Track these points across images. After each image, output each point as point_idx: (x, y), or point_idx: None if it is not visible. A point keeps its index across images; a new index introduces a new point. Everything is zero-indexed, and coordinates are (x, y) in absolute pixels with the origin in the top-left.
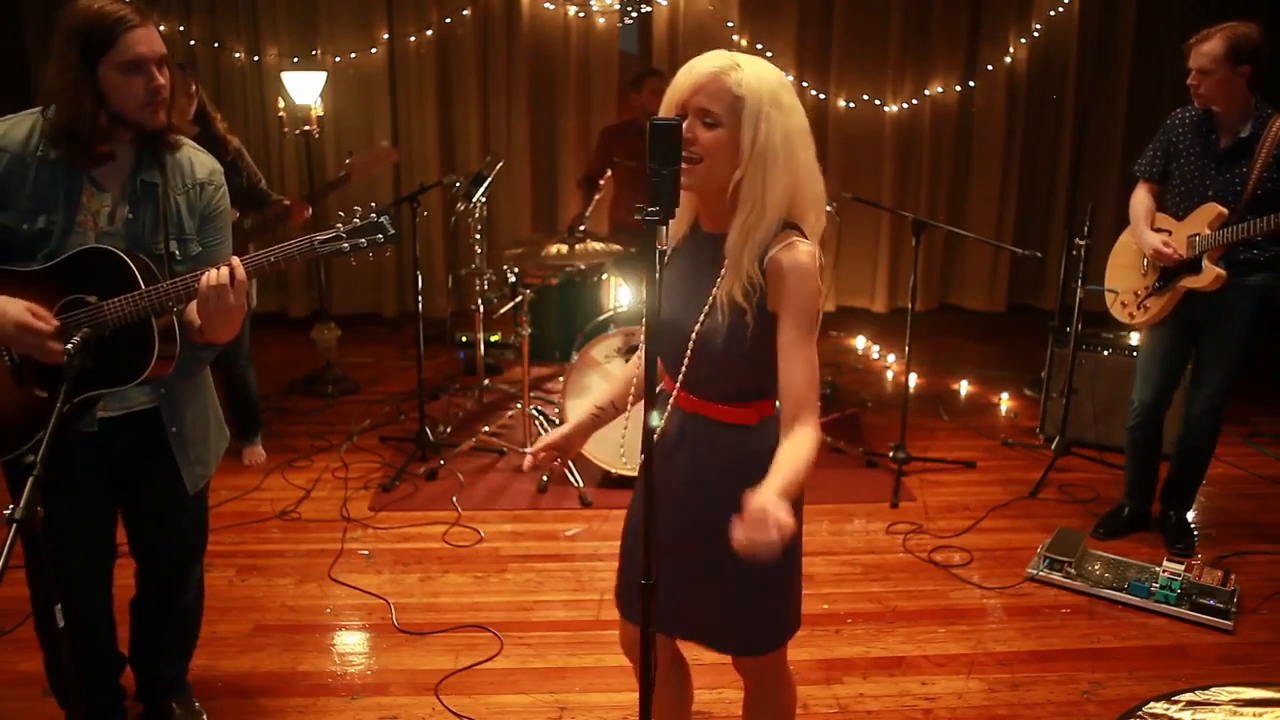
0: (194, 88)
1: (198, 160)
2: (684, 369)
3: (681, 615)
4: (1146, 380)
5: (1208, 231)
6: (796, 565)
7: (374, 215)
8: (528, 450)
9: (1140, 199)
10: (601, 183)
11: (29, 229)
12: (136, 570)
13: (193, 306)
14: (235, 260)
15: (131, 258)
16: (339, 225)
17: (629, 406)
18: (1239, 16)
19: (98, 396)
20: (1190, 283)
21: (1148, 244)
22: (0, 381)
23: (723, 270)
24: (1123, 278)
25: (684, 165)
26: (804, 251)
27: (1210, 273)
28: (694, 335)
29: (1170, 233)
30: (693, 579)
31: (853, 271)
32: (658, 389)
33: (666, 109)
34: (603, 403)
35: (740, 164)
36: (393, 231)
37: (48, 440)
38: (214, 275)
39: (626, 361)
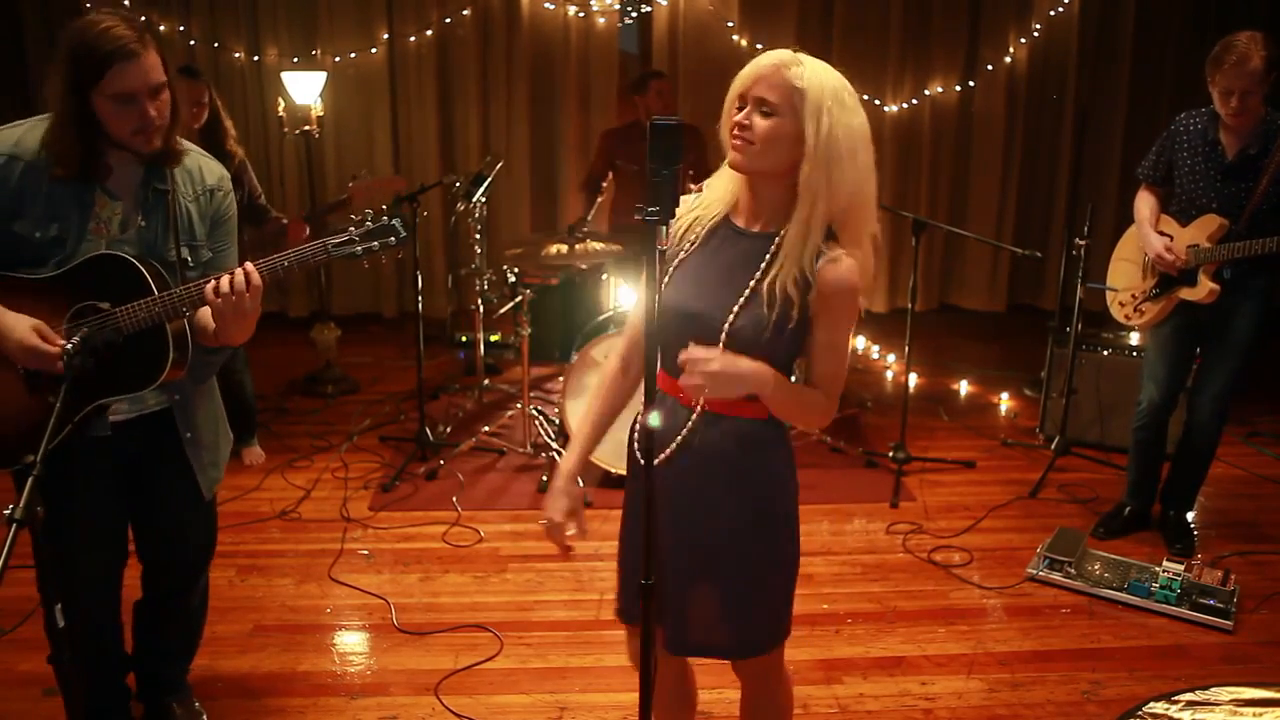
0: (206, 96)
1: (207, 167)
2: None
3: (683, 622)
4: (1154, 379)
5: (1207, 244)
6: (795, 569)
7: (385, 218)
8: (569, 543)
9: (1144, 201)
10: (604, 185)
11: (42, 237)
12: (143, 574)
13: (205, 311)
14: (250, 266)
15: (143, 263)
16: (351, 228)
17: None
18: (1240, 18)
19: (111, 403)
20: (1186, 295)
21: (1151, 247)
22: (12, 390)
23: (765, 263)
24: (1124, 274)
25: (737, 143)
26: (850, 267)
27: (1204, 287)
28: (726, 330)
29: (1173, 237)
30: (695, 582)
31: None
32: (663, 396)
33: (730, 101)
34: (590, 435)
35: (805, 157)
36: (404, 234)
37: (48, 440)
38: (225, 283)
39: None
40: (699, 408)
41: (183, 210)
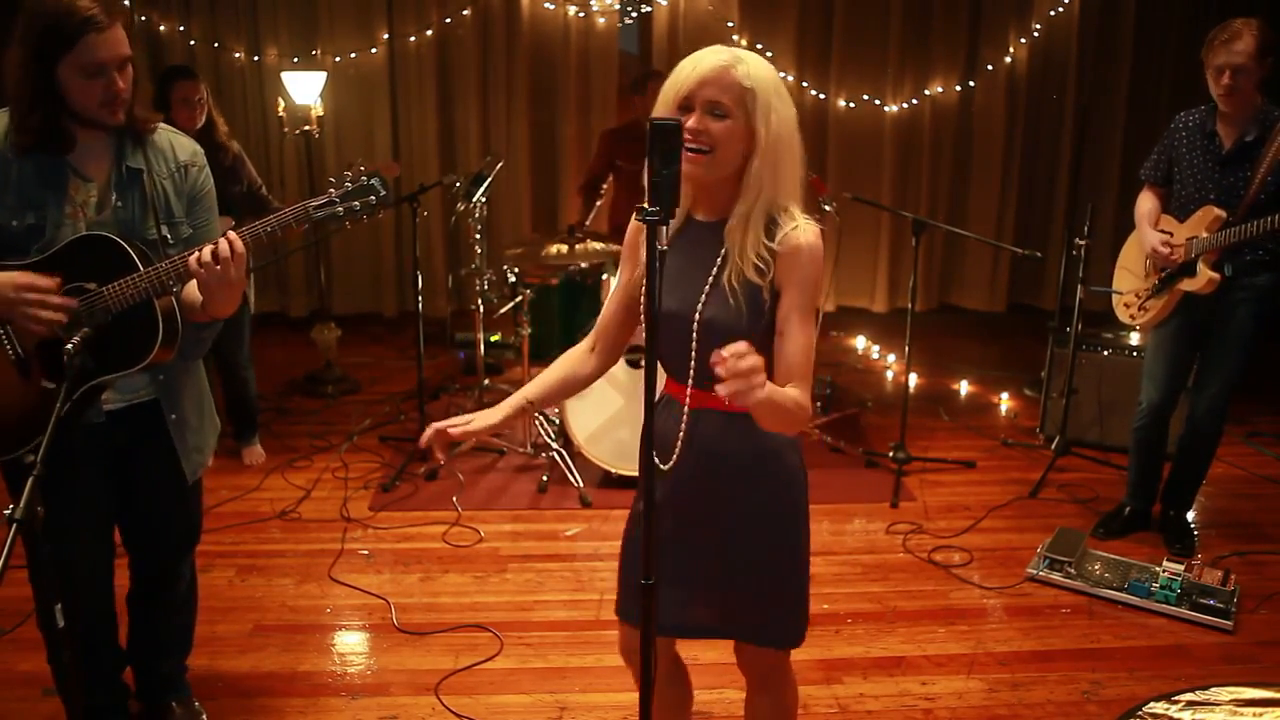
0: (201, 95)
1: (178, 143)
2: (693, 361)
3: (699, 614)
4: (1153, 380)
5: (1205, 235)
6: (807, 564)
7: (364, 178)
8: (436, 427)
9: (1144, 201)
10: (604, 188)
11: (19, 225)
12: (130, 562)
13: (192, 286)
14: (232, 234)
15: (127, 241)
16: (331, 190)
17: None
18: (1240, 15)
19: (104, 384)
20: (1186, 285)
21: (1148, 242)
22: (3, 377)
23: (721, 256)
24: (1127, 280)
25: (694, 155)
26: (814, 232)
27: (1204, 276)
28: (697, 321)
29: (1172, 234)
30: (711, 576)
31: (853, 271)
32: (661, 394)
33: (668, 102)
34: (534, 395)
35: (754, 152)
36: (384, 192)
37: (48, 439)
38: (208, 252)
39: (628, 362)
40: (687, 405)
41: (159, 188)
